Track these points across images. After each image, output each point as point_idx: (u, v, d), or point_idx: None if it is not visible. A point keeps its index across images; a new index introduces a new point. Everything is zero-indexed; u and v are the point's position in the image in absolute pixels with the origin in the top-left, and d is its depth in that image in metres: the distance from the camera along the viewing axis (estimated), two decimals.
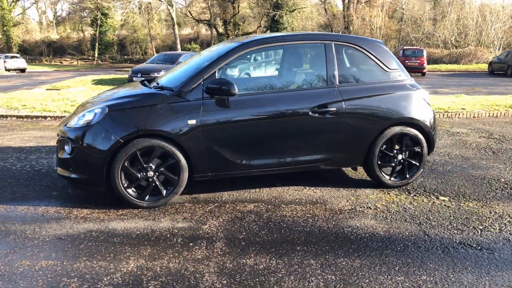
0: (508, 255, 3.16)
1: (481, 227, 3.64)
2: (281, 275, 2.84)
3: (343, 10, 41.61)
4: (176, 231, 3.52)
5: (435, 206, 4.15)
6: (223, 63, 4.13)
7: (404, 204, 4.20)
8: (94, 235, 3.40)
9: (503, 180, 4.93)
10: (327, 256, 3.11)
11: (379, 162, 4.54)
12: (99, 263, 2.95)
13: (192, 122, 3.94)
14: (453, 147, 6.50)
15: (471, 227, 3.64)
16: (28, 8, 57.09)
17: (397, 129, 4.51)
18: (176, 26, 34.71)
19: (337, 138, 4.37)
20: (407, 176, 4.69)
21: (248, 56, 4.79)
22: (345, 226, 3.65)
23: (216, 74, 4.08)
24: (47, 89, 15.15)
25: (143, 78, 15.50)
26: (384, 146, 4.53)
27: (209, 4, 37.51)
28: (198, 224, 3.65)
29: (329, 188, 4.65)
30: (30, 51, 46.49)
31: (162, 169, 3.97)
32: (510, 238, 3.44)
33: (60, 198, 4.25)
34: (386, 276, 2.84)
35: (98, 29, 43.28)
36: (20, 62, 31.38)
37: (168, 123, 3.90)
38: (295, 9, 35.36)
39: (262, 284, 2.72)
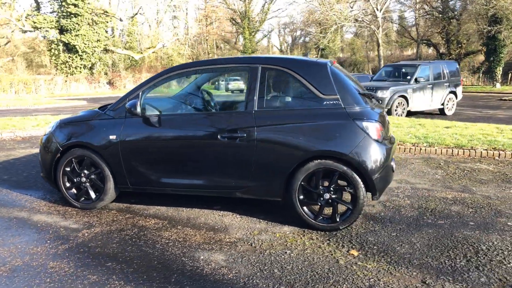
0: None
1: None
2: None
3: None
4: (61, 228, 4.14)
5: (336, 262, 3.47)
6: (146, 86, 4.49)
7: (302, 253, 3.66)
8: (18, 218, 4.36)
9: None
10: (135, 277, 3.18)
11: (300, 198, 4.04)
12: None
13: (113, 137, 4.46)
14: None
15: None
16: (265, 36, 64.92)
17: (318, 162, 3.94)
18: (381, 47, 34.09)
19: (250, 166, 4.13)
20: (337, 220, 4.00)
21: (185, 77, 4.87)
22: (190, 256, 3.53)
23: (140, 96, 4.46)
24: None
25: None
26: (306, 181, 4.01)
27: (429, 24, 35.36)
28: (83, 228, 4.15)
29: (252, 217, 4.38)
30: None
31: (92, 176, 4.62)
32: None
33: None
34: None
35: (320, 52, 46.26)
36: (240, 84, 36.48)
37: (95, 136, 4.53)
38: None
39: None
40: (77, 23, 34.24)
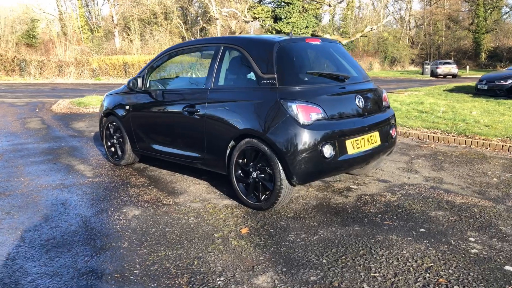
0: None
1: None
2: None
3: None
4: (85, 170, 5.33)
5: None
6: (148, 66, 5.21)
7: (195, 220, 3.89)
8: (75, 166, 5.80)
9: None
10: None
11: (237, 174, 4.16)
12: None
13: (127, 107, 5.39)
14: None
15: None
16: (507, 13, 55.94)
17: (247, 141, 3.99)
18: None
19: (203, 140, 4.45)
20: (261, 199, 3.98)
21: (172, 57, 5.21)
22: (121, 208, 4.19)
23: (143, 74, 5.23)
24: (388, 92, 16.61)
25: (485, 86, 14.41)
26: (241, 158, 4.11)
27: None
28: (92, 177, 5.23)
29: (215, 189, 4.67)
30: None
31: (119, 139, 5.66)
32: None
33: None
34: None
35: None
36: (452, 68, 32.98)
37: (117, 106, 5.54)
38: None
39: None
40: (288, 11, 36.99)
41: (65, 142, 7.34)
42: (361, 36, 43.76)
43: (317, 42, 4.45)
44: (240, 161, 4.10)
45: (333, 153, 3.80)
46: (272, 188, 3.87)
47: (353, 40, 44.57)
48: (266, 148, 3.82)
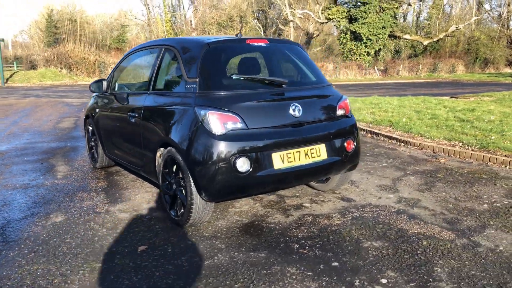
0: None
1: None
2: None
3: None
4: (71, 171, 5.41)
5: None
6: (114, 70, 5.11)
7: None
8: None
9: None
10: None
11: (164, 185, 3.90)
12: None
13: (97, 110, 5.36)
14: None
15: None
16: None
17: (168, 150, 3.71)
18: None
19: (141, 146, 4.26)
20: (179, 214, 3.68)
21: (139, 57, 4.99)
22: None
23: (109, 77, 5.14)
24: (451, 97, 15.12)
25: None
26: (166, 169, 3.84)
27: None
28: (66, 176, 5.28)
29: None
30: None
31: (93, 142, 5.66)
32: None
33: None
34: None
35: None
36: None
37: (92, 109, 5.53)
38: None
39: None
40: (364, 12, 35.56)
41: (73, 142, 7.59)
42: (445, 36, 40.82)
43: (261, 44, 4.02)
44: (166, 171, 3.83)
45: (249, 167, 3.38)
46: (185, 203, 3.56)
47: (437, 41, 41.67)
48: (181, 159, 3.52)
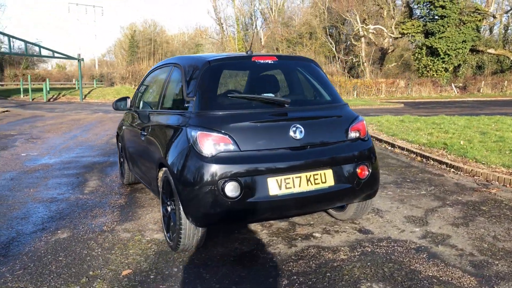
0: None
1: None
2: None
3: None
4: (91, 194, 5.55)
5: None
6: (140, 85, 5.15)
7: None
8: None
9: None
10: None
11: (164, 207, 3.78)
12: None
13: (123, 127, 5.44)
14: None
15: None
16: None
17: (164, 170, 3.60)
18: None
19: (146, 164, 4.21)
20: (172, 238, 3.53)
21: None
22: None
23: (134, 94, 5.19)
24: None
25: None
26: (164, 190, 3.73)
27: None
28: (92, 192, 5.39)
29: None
30: None
31: (121, 156, 5.74)
32: None
33: None
34: None
35: None
36: None
37: (120, 126, 5.64)
38: None
39: None
40: (442, 25, 33.76)
41: (114, 157, 7.79)
42: None
43: (269, 61, 3.79)
44: (164, 191, 3.71)
45: (238, 192, 3.14)
46: (175, 224, 3.40)
47: None
48: (172, 180, 3.38)
